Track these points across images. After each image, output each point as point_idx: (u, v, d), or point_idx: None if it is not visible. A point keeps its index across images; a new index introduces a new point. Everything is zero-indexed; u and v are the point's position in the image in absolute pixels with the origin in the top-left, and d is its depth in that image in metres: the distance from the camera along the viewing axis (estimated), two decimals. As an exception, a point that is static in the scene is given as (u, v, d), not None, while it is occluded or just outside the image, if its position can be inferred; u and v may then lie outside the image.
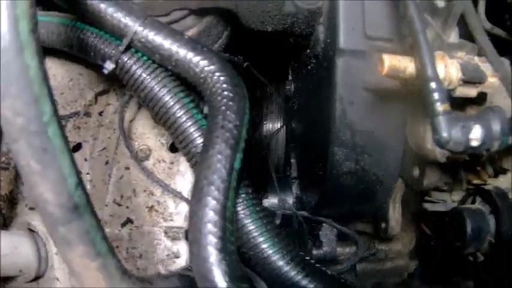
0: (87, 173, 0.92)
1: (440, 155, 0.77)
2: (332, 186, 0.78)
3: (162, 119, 0.76)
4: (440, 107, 0.58)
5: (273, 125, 1.14)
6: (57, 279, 0.93)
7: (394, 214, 0.87)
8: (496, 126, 0.59)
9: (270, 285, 0.72)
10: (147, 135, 0.91)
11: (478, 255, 0.84)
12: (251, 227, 0.70)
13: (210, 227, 0.63)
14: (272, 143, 1.11)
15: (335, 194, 0.81)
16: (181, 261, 0.89)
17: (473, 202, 0.84)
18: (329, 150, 0.75)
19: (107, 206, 0.91)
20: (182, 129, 0.73)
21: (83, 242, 0.48)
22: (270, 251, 0.70)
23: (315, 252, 0.92)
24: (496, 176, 0.85)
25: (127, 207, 0.90)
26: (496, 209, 0.79)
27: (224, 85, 0.71)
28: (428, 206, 0.90)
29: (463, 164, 0.86)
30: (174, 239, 0.88)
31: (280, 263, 0.70)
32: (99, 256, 0.48)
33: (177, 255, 0.89)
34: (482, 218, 0.80)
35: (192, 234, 0.66)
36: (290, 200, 0.98)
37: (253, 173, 1.26)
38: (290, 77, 0.99)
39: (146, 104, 0.77)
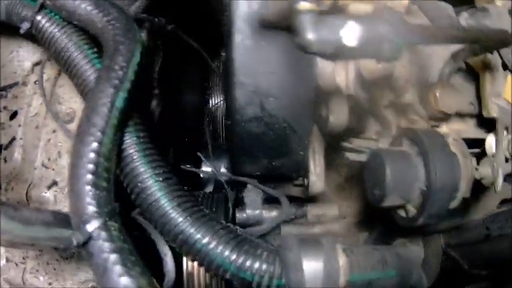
0: (20, 138, 0.95)
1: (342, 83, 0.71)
2: (240, 135, 0.74)
3: (68, 70, 0.79)
4: (301, 5, 0.49)
5: (217, 98, 1.14)
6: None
7: (315, 168, 0.80)
8: (385, 26, 0.52)
9: (160, 231, 0.70)
10: (74, 99, 0.94)
11: (409, 208, 0.71)
12: (139, 171, 0.69)
13: (83, 161, 0.63)
14: (217, 116, 1.10)
15: (246, 145, 0.76)
16: None
17: (399, 146, 0.73)
18: (232, 96, 0.72)
19: (35, 169, 0.94)
20: (82, 77, 0.75)
21: None
22: (158, 195, 0.69)
23: (238, 215, 0.88)
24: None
25: (53, 169, 0.92)
26: (425, 151, 0.65)
27: (116, 31, 0.72)
28: (350, 155, 0.79)
29: (389, 106, 0.77)
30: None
31: (168, 208, 0.68)
32: None
33: None
34: (408, 161, 0.68)
35: (70, 169, 0.66)
36: (223, 166, 0.96)
37: (193, 144, 1.28)
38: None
39: (55, 58, 0.81)
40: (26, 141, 0.93)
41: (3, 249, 0.96)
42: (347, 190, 0.92)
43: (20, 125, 0.95)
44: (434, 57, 0.78)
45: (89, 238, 0.59)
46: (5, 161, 0.96)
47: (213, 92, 1.13)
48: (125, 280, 0.58)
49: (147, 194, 0.67)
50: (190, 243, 0.66)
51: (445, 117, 0.78)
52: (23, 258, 0.95)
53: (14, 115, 0.97)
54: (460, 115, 0.81)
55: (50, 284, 0.92)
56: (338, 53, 0.53)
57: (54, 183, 0.90)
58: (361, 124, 0.81)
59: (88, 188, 0.61)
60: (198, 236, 0.65)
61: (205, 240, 0.65)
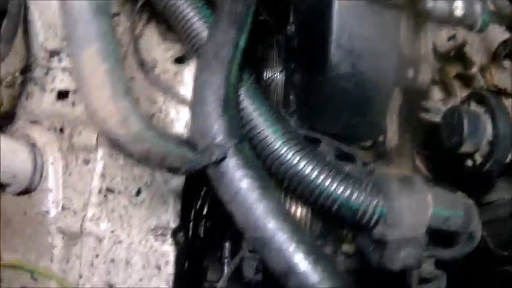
0: None
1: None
2: (329, 90, 0.80)
3: (172, 17, 0.81)
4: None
5: (272, 71, 1.19)
6: (50, 191, 0.94)
7: (392, 125, 0.90)
8: (477, 3, 0.66)
9: (269, 166, 0.73)
10: (154, 50, 0.96)
11: (477, 157, 0.85)
12: (252, 107, 0.73)
13: (213, 87, 0.66)
14: (272, 86, 1.16)
15: (333, 101, 0.82)
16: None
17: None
18: (328, 52, 0.78)
19: None
20: (189, 23, 0.78)
21: (99, 41, 0.51)
22: (269, 131, 0.73)
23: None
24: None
25: None
26: (491, 109, 0.82)
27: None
28: (424, 115, 0.90)
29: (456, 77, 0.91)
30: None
31: (279, 143, 0.73)
32: (109, 59, 0.50)
33: None
34: (478, 116, 0.83)
35: (195, 96, 0.68)
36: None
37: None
38: (291, 19, 1.07)
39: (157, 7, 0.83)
40: None
41: (61, 195, 0.94)
42: (412, 150, 1.02)
43: (92, 71, 0.95)
44: (494, 39, 0.91)
45: (223, 157, 0.62)
46: (73, 105, 0.94)
47: (269, 65, 1.18)
48: (258, 203, 0.61)
49: (258, 130, 0.71)
50: (301, 175, 0.70)
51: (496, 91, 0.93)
52: (83, 205, 0.93)
53: (84, 61, 0.96)
54: (505, 93, 0.95)
55: (112, 231, 0.90)
56: (447, 21, 0.65)
57: None
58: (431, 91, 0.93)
59: (219, 111, 0.63)
60: (309, 168, 0.70)
61: (315, 173, 0.70)
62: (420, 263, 0.77)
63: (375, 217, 0.72)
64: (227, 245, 1.19)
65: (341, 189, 0.70)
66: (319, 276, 0.57)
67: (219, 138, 0.61)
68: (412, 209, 0.73)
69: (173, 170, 0.63)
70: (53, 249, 0.93)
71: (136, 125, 0.52)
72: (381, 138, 0.87)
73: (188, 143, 0.63)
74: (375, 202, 0.71)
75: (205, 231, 0.97)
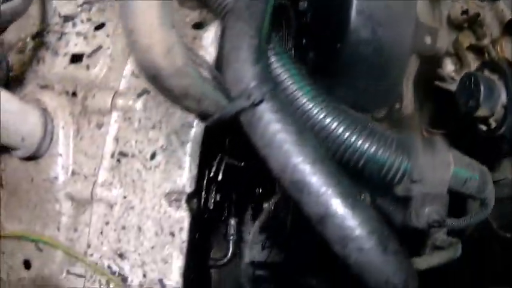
0: (108, 48, 0.92)
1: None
2: (348, 55, 0.80)
3: None
4: None
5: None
6: (60, 155, 0.91)
7: (408, 93, 0.92)
8: None
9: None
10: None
11: (491, 122, 0.88)
12: (279, 63, 0.73)
13: (247, 36, 0.65)
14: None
15: (351, 66, 0.83)
16: (198, 130, 0.89)
17: (482, 74, 0.93)
18: (349, 17, 0.79)
19: (124, 78, 0.91)
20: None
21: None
22: (296, 86, 0.72)
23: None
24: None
25: None
26: (505, 76, 0.85)
27: None
28: (439, 84, 0.93)
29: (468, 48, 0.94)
30: (190, 109, 0.89)
31: (305, 99, 0.73)
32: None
33: (192, 125, 0.89)
34: (493, 82, 0.87)
35: (229, 45, 0.67)
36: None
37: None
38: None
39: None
40: (115, 50, 0.89)
41: (71, 160, 0.91)
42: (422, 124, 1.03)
43: (108, 35, 0.92)
44: (506, 13, 0.94)
45: (261, 100, 0.60)
46: (87, 68, 0.92)
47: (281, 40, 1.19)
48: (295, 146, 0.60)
49: (285, 85, 0.71)
50: (328, 130, 0.70)
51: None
52: (94, 170, 0.90)
53: (100, 26, 0.94)
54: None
55: (124, 197, 0.87)
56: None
57: (146, 91, 0.88)
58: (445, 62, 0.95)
59: (253, 58, 0.62)
60: (336, 123, 0.70)
61: (342, 128, 0.69)
62: (444, 221, 0.78)
63: (400, 173, 0.72)
64: (232, 222, 1.17)
65: (367, 144, 0.71)
66: (357, 220, 0.57)
67: (255, 83, 0.61)
68: (435, 166, 0.75)
69: (205, 116, 0.62)
70: (60, 218, 0.90)
71: (180, 58, 0.51)
72: (397, 106, 0.88)
73: (223, 89, 0.62)
74: (400, 158, 0.71)
75: (215, 204, 0.96)
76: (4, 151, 0.94)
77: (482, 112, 0.87)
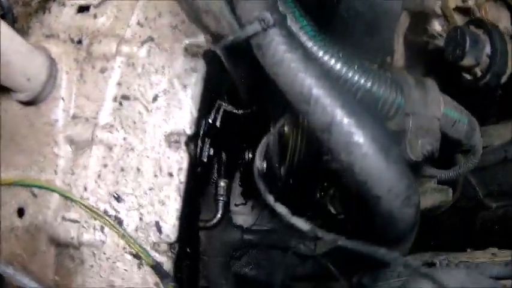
0: None
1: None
2: (346, 11, 0.83)
3: None
4: None
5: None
6: (62, 99, 0.91)
7: (398, 48, 0.95)
8: None
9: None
10: None
11: (476, 71, 0.91)
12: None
13: None
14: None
15: (347, 21, 0.86)
16: (200, 75, 0.90)
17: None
18: None
19: (129, 26, 0.93)
20: None
21: None
22: (298, 26, 0.76)
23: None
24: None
25: (150, 27, 0.92)
26: (489, 31, 0.90)
27: None
28: (428, 39, 0.98)
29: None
30: (193, 55, 0.91)
31: (305, 37, 0.75)
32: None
33: (195, 69, 0.90)
34: (477, 35, 0.91)
35: None
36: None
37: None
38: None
39: None
40: (122, 1, 0.94)
41: (72, 104, 0.91)
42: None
43: (116, -12, 0.96)
44: None
45: (273, 24, 0.63)
46: (95, 17, 0.94)
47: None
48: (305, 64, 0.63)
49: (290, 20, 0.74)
50: (327, 65, 0.72)
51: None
52: (96, 113, 0.90)
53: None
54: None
55: (124, 138, 0.87)
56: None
57: (150, 39, 0.89)
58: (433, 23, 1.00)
59: None
60: (334, 59, 0.72)
61: (339, 64, 0.72)
62: (436, 155, 0.80)
63: (394, 107, 0.75)
64: (222, 183, 1.16)
65: (363, 79, 0.74)
66: (362, 127, 0.59)
67: (267, 11, 0.63)
68: (426, 102, 0.79)
69: (219, 38, 0.65)
70: (58, 161, 0.88)
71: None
72: (388, 60, 0.92)
73: (236, 15, 0.66)
74: (394, 93, 0.74)
75: (208, 158, 0.96)
76: (2, 97, 0.95)
77: (467, 61, 0.90)
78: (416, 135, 0.79)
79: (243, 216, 1.22)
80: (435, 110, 0.79)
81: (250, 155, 0.97)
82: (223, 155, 1.00)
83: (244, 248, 1.16)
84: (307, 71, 0.62)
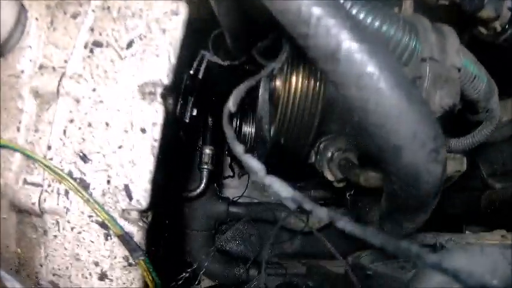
0: None
1: None
2: None
3: None
4: None
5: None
6: (30, 47, 0.82)
7: None
8: None
9: None
10: None
11: (496, 25, 0.77)
12: None
13: None
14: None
15: None
16: (181, 18, 0.79)
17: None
18: None
19: None
20: None
21: None
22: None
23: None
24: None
25: None
26: None
27: None
28: None
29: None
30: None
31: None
32: None
33: (176, 12, 0.80)
34: None
35: None
36: None
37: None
38: None
39: None
40: None
41: (40, 53, 0.81)
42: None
43: None
44: None
45: None
46: None
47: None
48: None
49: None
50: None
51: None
52: (65, 62, 0.80)
53: None
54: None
55: (94, 89, 0.76)
56: None
57: None
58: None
59: None
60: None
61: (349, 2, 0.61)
62: (456, 110, 0.66)
63: (409, 50, 0.62)
64: (207, 150, 1.04)
65: (371, 16, 0.61)
66: (374, 55, 0.45)
67: None
68: (444, 48, 0.65)
69: None
70: (22, 116, 0.78)
71: None
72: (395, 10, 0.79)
73: None
74: (407, 35, 0.61)
75: (191, 119, 0.84)
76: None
77: (486, 13, 0.76)
78: (434, 85, 0.65)
79: (232, 190, 1.10)
80: (455, 58, 0.65)
81: (238, 124, 0.85)
82: (209, 119, 0.89)
83: (230, 221, 1.03)
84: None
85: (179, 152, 0.79)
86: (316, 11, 0.49)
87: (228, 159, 1.11)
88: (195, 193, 0.96)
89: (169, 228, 0.79)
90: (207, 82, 0.79)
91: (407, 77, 0.49)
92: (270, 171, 0.48)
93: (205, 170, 0.95)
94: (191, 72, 0.76)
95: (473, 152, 0.97)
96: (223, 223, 1.06)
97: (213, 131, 0.93)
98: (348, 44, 0.47)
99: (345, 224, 0.45)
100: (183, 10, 0.75)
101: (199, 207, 1.03)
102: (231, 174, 1.09)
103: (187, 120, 0.79)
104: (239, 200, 1.12)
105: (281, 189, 0.45)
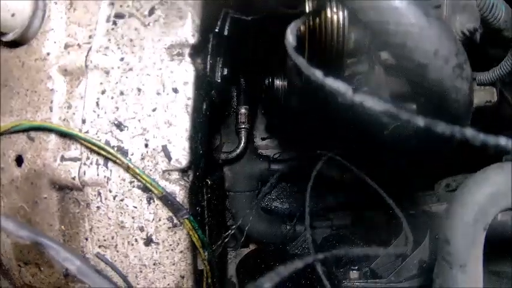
0: None
1: None
2: None
3: None
4: None
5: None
6: (53, 30, 0.83)
7: None
8: None
9: None
10: None
11: None
12: None
13: None
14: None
15: None
16: None
17: None
18: None
19: None
20: None
21: None
22: None
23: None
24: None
25: None
26: None
27: None
28: None
29: None
30: None
31: None
32: None
33: None
34: None
35: None
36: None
37: None
38: None
39: None
40: None
41: (64, 34, 0.82)
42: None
43: None
44: None
45: None
46: None
47: None
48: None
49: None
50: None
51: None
52: (89, 38, 0.81)
53: None
54: None
55: (122, 59, 0.76)
56: None
57: None
58: None
59: None
60: None
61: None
62: (477, 36, 0.67)
63: None
64: (243, 110, 1.03)
65: None
66: None
67: None
68: None
69: None
70: (53, 96, 0.78)
71: None
72: None
73: None
74: None
75: (222, 78, 0.84)
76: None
77: None
78: (453, 11, 0.67)
79: (269, 150, 1.10)
80: None
81: (270, 80, 0.86)
82: (242, 79, 0.89)
83: (272, 180, 1.03)
84: None
85: (214, 113, 0.80)
86: None
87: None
88: (234, 154, 0.96)
89: (212, 190, 0.79)
90: (234, 41, 0.80)
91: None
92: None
93: (243, 130, 0.94)
94: (217, 30, 0.78)
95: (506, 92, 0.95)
96: (265, 181, 1.06)
97: (246, 91, 0.93)
98: None
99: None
100: None
101: (241, 169, 1.03)
102: (268, 135, 1.09)
103: (218, 80, 0.80)
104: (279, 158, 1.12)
105: (373, 104, 0.46)
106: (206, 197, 0.77)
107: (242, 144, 0.95)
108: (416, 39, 0.51)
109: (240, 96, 0.93)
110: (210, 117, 0.79)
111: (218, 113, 0.91)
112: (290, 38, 0.54)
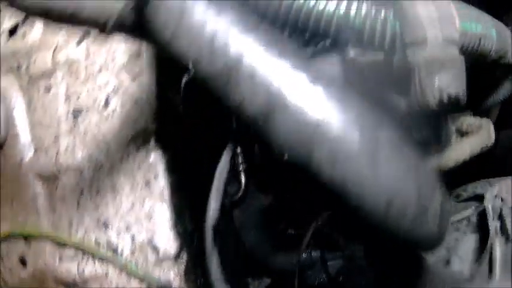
0: None
1: None
2: None
3: None
4: None
5: None
6: (19, 134, 0.82)
7: None
8: None
9: None
10: None
11: None
12: None
13: None
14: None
15: None
16: (148, 55, 0.76)
17: None
18: None
19: (61, 29, 0.82)
20: None
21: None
22: None
23: None
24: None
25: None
26: None
27: None
28: None
29: None
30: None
31: None
32: None
33: (139, 53, 0.77)
34: None
35: None
36: None
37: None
38: None
39: None
40: None
41: (30, 136, 0.79)
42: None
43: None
44: None
45: None
46: (23, 36, 0.82)
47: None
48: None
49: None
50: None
51: None
52: (55, 138, 0.75)
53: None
54: None
55: (89, 157, 0.73)
56: None
57: (85, 36, 0.77)
58: None
59: None
60: None
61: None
62: (463, 98, 0.56)
63: (387, 34, 0.53)
64: (239, 150, 0.97)
65: (334, 4, 0.51)
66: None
67: None
68: (433, 19, 0.53)
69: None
70: (37, 201, 0.80)
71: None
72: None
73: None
74: (381, 14, 0.51)
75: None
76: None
77: None
78: (429, 72, 0.51)
79: None
80: (449, 29, 0.51)
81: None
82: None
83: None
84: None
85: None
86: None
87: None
88: (238, 196, 0.90)
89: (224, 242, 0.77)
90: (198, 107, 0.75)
91: (372, 118, 0.42)
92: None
93: (241, 171, 0.87)
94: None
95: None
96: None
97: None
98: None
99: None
100: (146, 49, 0.71)
101: (247, 208, 0.97)
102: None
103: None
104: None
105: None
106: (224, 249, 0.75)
107: (243, 186, 0.89)
108: (360, 187, 0.43)
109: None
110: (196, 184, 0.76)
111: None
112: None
